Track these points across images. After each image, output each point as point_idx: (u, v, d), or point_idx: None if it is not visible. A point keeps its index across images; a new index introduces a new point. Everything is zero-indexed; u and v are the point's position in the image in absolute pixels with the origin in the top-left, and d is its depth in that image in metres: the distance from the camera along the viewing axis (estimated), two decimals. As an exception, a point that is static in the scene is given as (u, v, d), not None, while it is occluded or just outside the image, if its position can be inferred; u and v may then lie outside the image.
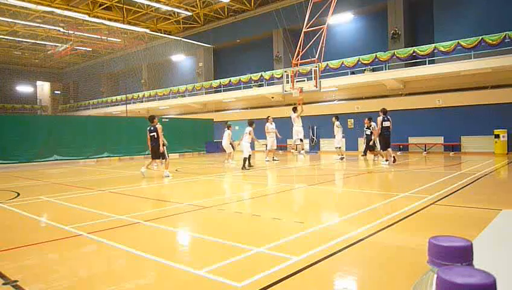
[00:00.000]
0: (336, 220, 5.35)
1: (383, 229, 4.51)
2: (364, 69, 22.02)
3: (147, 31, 29.53)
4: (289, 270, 3.18)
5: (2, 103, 39.28)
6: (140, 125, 18.56)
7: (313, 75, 16.56)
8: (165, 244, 4.30)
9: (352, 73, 22.31)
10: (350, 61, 21.32)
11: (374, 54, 20.50)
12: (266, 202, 7.14)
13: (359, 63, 21.09)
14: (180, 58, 34.39)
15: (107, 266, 3.64)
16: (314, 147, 23.38)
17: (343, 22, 24.49)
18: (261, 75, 25.49)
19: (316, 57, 16.12)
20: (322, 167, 14.46)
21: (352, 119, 22.05)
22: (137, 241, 4.35)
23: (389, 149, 12.67)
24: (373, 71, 21.84)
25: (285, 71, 17.75)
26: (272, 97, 25.61)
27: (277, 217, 5.48)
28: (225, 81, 27.66)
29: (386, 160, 12.68)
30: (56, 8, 25.11)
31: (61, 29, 29.20)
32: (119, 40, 32.75)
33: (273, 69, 25.92)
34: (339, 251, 3.71)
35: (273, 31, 26.81)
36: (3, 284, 3.05)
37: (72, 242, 4.37)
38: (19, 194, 8.07)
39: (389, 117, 12.72)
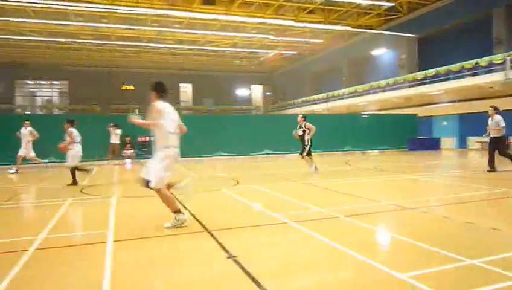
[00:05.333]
0: None
1: None
2: None
3: (348, 28, 29.70)
4: (512, 291, 2.69)
5: (226, 105, 46.56)
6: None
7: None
8: (364, 241, 4.27)
9: None
10: None
11: None
12: (480, 207, 6.19)
13: None
14: (380, 52, 33.25)
15: (310, 255, 3.86)
16: None
17: None
18: (476, 63, 22.12)
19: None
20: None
21: None
22: (337, 234, 4.45)
23: None
24: None
25: (508, 55, 14.88)
26: (490, 87, 21.88)
27: (497, 227, 4.68)
28: (431, 72, 25.23)
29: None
30: (267, 18, 28.09)
31: (271, 37, 32.57)
32: (321, 41, 34.19)
33: (491, 55, 22.10)
34: None
35: (493, 9, 22.85)
36: (228, 257, 3.66)
37: (279, 228, 4.86)
38: (238, 183, 9.52)
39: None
